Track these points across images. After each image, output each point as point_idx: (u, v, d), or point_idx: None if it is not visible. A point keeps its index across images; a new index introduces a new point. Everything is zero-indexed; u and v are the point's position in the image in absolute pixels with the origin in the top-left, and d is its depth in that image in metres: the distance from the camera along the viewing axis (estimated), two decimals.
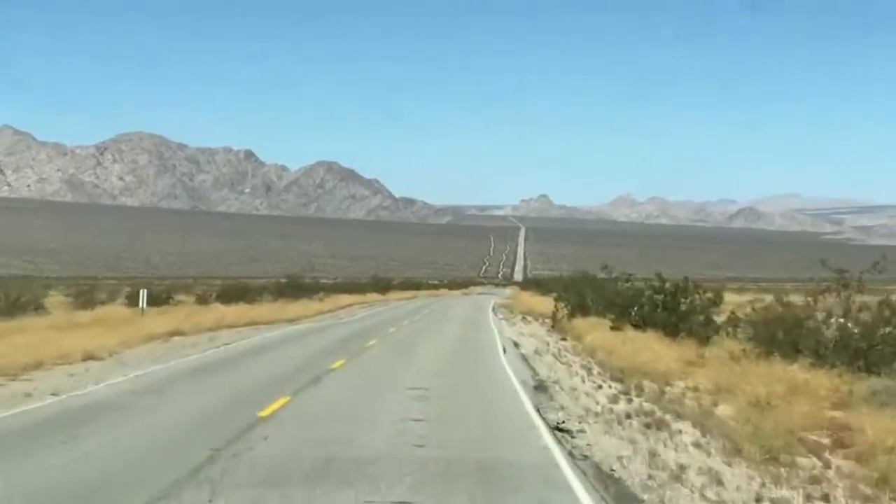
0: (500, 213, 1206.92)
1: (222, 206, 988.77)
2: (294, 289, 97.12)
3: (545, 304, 79.60)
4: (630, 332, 39.80)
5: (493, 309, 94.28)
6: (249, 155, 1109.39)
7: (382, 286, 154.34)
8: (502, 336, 50.88)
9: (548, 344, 45.13)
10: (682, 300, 42.28)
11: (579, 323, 51.44)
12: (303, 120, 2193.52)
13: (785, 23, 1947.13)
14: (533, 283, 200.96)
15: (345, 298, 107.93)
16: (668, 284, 43.12)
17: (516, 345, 44.44)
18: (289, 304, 78.33)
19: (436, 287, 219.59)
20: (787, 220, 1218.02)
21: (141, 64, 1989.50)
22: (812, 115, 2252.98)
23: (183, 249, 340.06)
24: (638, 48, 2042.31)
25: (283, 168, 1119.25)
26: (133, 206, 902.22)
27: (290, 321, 64.38)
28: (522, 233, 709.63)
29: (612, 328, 42.95)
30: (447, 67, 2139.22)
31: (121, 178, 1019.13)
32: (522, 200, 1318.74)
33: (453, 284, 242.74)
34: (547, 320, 64.52)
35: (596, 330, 44.21)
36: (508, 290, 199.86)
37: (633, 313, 43.19)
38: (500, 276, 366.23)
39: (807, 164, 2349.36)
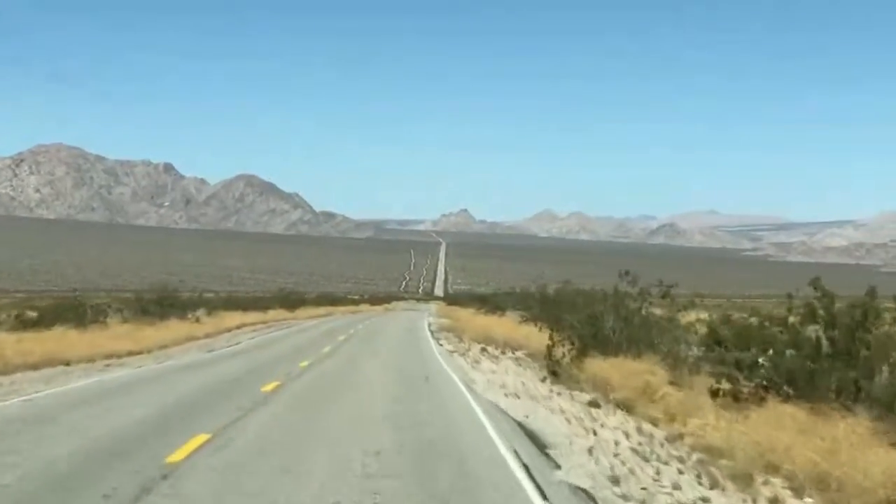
0: (421, 227, 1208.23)
1: (141, 220, 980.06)
2: (161, 306, 69.27)
3: (504, 325, 66.25)
4: (770, 407, 19.39)
5: (432, 332, 73.40)
6: (169, 168, 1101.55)
7: (291, 302, 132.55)
8: (482, 401, 26.14)
9: (616, 444, 19.33)
10: (864, 334, 19.93)
11: (601, 368, 29.84)
12: (223, 133, 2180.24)
13: (705, 37, 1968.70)
14: (469, 298, 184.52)
15: (233, 318, 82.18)
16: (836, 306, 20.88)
17: (544, 451, 18.33)
18: (147, 328, 54.52)
19: (355, 302, 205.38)
20: (707, 237, 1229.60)
21: (59, 75, 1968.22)
22: (729, 133, 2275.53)
23: (98, 262, 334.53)
24: (558, 64, 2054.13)
25: (203, 181, 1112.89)
26: (50, 218, 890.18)
27: (120, 358, 39.77)
28: (443, 248, 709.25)
29: (713, 394, 21.80)
30: (367, 83, 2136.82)
31: (37, 191, 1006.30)
32: (443, 215, 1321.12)
33: (374, 299, 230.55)
34: (520, 353, 47.03)
35: (693, 404, 21.82)
36: (433, 306, 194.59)
37: (757, 366, 21.41)
38: (420, 290, 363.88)
39: (724, 182, 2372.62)
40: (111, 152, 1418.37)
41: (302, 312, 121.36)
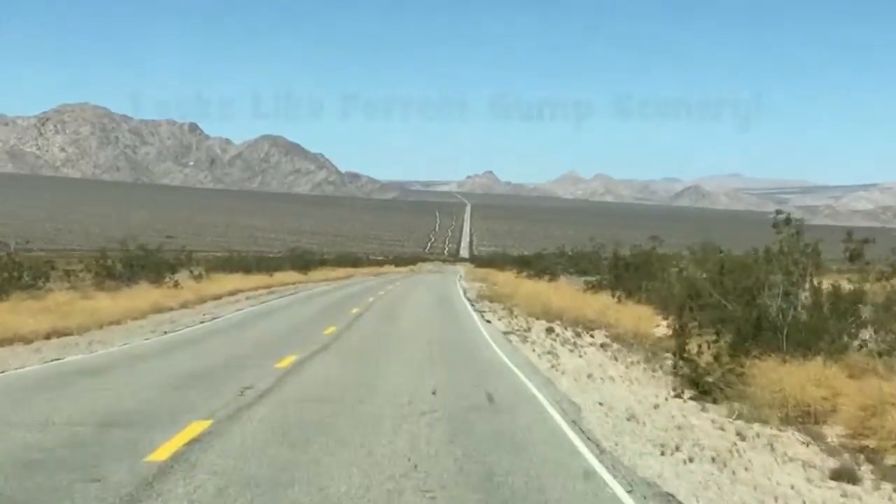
0: (446, 188, 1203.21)
1: (166, 179, 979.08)
2: (131, 267, 55.51)
3: (563, 294, 52.49)
4: None
5: (470, 301, 61.67)
6: (194, 128, 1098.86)
7: (304, 262, 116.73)
8: (626, 471, 13.48)
9: None
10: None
11: (784, 377, 19.10)
12: (248, 93, 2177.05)
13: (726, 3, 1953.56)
14: (504, 259, 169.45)
15: (227, 282, 69.52)
16: None
17: None
18: (99, 297, 43.96)
19: (379, 263, 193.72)
20: (732, 200, 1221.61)
21: (86, 35, 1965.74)
22: (755, 96, 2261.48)
23: (123, 222, 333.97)
24: (587, 25, 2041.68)
25: (228, 142, 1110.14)
26: (75, 177, 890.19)
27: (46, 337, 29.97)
28: (468, 209, 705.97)
29: None
30: (393, 44, 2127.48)
31: (63, 150, 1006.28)
32: (468, 177, 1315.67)
33: (399, 261, 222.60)
34: (600, 335, 35.69)
35: None
36: (461, 268, 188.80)
37: None
38: (446, 252, 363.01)
39: (750, 145, 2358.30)
40: (136, 112, 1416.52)
41: (317, 274, 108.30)
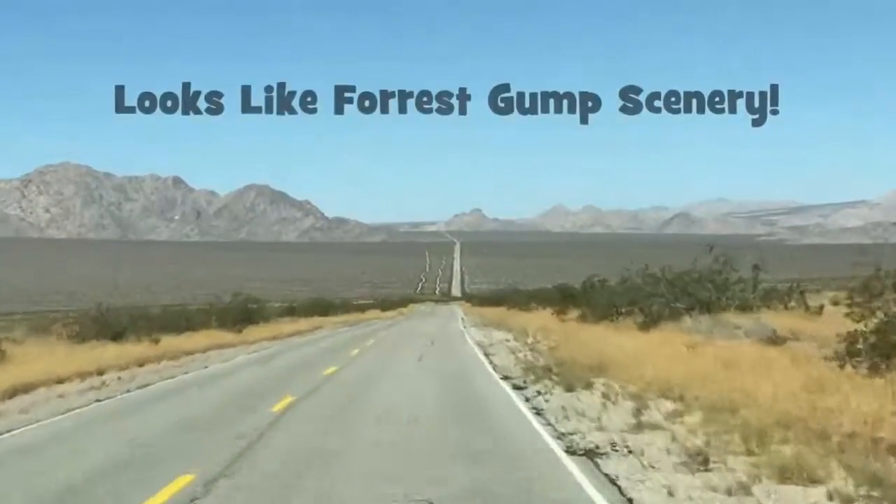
0: (434, 228, 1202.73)
1: (152, 235, 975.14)
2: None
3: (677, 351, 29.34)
4: None
5: (513, 382, 30.68)
6: (178, 181, 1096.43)
7: (241, 316, 77.16)
8: None
9: None
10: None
11: None
12: (231, 143, 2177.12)
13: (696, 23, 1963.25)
14: (509, 293, 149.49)
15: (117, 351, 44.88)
16: None
17: None
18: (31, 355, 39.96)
19: (360, 308, 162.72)
20: (721, 224, 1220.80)
21: (64, 94, 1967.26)
22: (737, 118, 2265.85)
23: (109, 280, 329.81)
24: (566, 58, 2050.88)
25: (213, 193, 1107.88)
26: (60, 238, 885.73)
27: None
28: (457, 248, 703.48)
29: None
30: (376, 80, 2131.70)
31: (47, 211, 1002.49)
32: (455, 215, 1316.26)
33: (387, 303, 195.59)
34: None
35: None
36: (458, 309, 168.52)
37: None
38: (437, 291, 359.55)
39: (736, 168, 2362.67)
40: (119, 169, 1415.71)
41: (260, 331, 73.18)
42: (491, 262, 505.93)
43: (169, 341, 53.10)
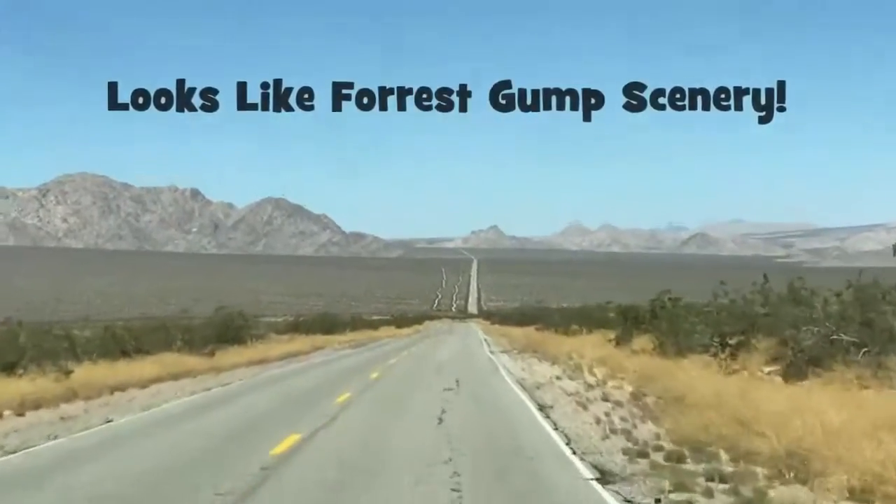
0: (451, 245, 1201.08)
1: (169, 246, 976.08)
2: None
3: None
4: None
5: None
6: (195, 193, 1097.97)
7: (226, 333, 66.28)
8: None
9: None
10: None
11: None
12: (249, 156, 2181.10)
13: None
14: (535, 313, 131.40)
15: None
16: None
17: None
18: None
19: (372, 325, 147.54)
20: (739, 245, 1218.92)
21: (84, 103, 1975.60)
22: (755, 139, 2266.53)
23: (125, 291, 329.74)
24: (583, 73, 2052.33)
25: (230, 206, 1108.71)
26: (77, 248, 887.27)
27: None
28: (475, 265, 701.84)
29: None
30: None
31: (64, 220, 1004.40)
32: (473, 232, 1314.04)
33: (403, 320, 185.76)
34: None
35: None
36: (476, 327, 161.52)
37: None
38: (454, 308, 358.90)
39: (753, 189, 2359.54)
40: (137, 180, 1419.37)
41: (235, 356, 58.51)
42: (508, 279, 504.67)
43: (95, 372, 40.04)
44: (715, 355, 35.69)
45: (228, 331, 66.14)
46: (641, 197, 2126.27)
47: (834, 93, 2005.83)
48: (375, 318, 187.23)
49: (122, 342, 50.21)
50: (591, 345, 55.64)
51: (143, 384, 39.81)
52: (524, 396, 33.45)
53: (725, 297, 40.27)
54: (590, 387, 36.35)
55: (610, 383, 37.20)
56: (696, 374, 30.66)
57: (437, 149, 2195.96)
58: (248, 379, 46.11)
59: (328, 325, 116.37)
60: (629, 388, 33.93)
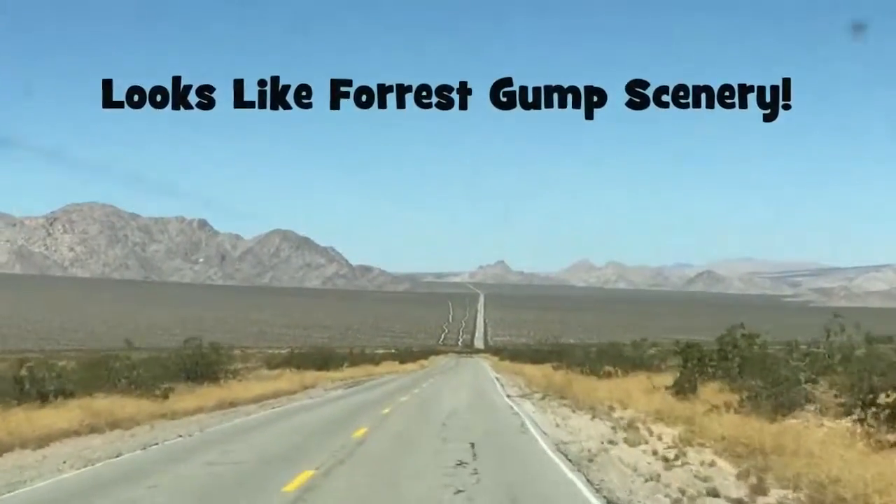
0: (458, 279, 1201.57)
1: (175, 277, 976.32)
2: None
3: None
4: None
5: None
6: (203, 224, 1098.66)
7: (193, 370, 55.77)
8: None
9: None
10: None
11: None
12: (257, 188, 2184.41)
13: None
14: (558, 351, 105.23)
15: None
16: None
17: None
18: None
19: (373, 361, 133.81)
20: (746, 284, 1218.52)
21: (91, 131, 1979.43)
22: (765, 178, 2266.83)
23: (131, 321, 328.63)
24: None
25: (238, 237, 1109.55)
26: (84, 276, 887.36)
27: None
28: (481, 299, 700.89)
29: None
30: (402, 135, 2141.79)
31: (71, 249, 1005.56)
32: (480, 267, 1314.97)
33: (407, 355, 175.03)
34: None
35: None
36: (485, 363, 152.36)
37: None
38: (460, 343, 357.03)
39: (761, 228, 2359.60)
40: (145, 209, 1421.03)
41: (208, 396, 48.45)
42: (515, 314, 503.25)
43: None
44: (862, 420, 24.34)
45: (197, 366, 56.22)
46: (649, 235, 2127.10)
47: (844, 133, 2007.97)
48: (380, 351, 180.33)
49: (38, 381, 39.17)
50: (636, 391, 44.13)
51: (40, 441, 29.83)
52: (576, 478, 22.31)
53: (840, 335, 31.21)
54: (667, 461, 24.35)
55: (694, 455, 24.98)
56: (836, 450, 20.90)
57: (445, 183, 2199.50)
58: (193, 435, 33.71)
59: (323, 359, 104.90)
60: (729, 468, 22.72)
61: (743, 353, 38.42)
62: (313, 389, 69.57)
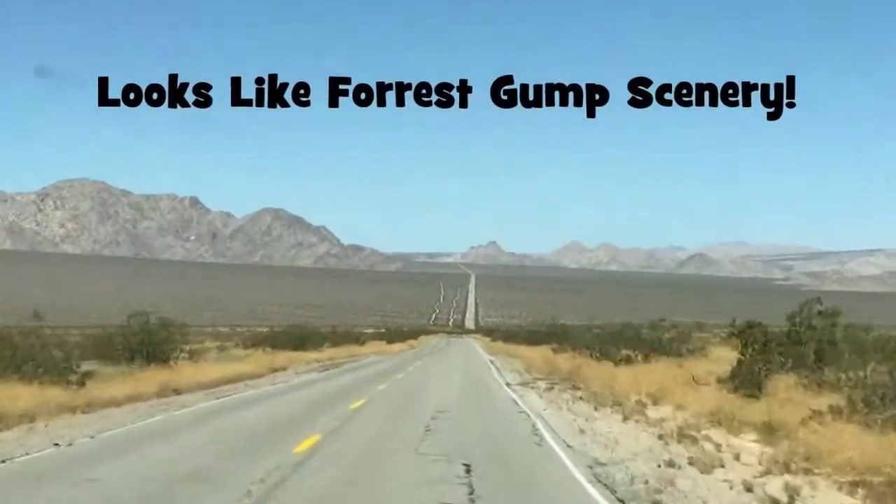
0: (450, 260, 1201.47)
1: (166, 254, 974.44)
2: None
3: None
4: None
5: None
6: (194, 202, 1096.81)
7: (139, 345, 49.34)
8: None
9: None
10: None
11: None
12: (249, 166, 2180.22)
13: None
14: (564, 332, 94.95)
15: None
16: None
17: None
18: None
19: (357, 340, 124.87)
20: (738, 267, 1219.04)
21: (84, 108, 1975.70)
22: (758, 162, 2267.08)
23: (119, 298, 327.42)
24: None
25: (229, 215, 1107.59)
26: (75, 253, 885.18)
27: None
28: (472, 280, 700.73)
29: None
30: (396, 115, 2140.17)
31: (62, 225, 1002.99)
32: (472, 248, 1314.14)
33: (395, 334, 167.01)
34: None
35: None
36: (476, 343, 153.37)
37: None
38: (451, 323, 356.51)
39: (753, 212, 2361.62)
40: (136, 186, 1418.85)
41: (146, 381, 40.05)
42: (506, 295, 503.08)
43: None
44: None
45: (143, 346, 49.16)
46: (641, 216, 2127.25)
47: (839, 119, 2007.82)
48: (369, 331, 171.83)
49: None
50: (669, 381, 37.14)
51: None
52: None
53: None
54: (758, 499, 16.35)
55: (819, 496, 16.55)
56: None
57: (437, 164, 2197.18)
58: (94, 437, 24.26)
59: (301, 338, 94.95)
60: None
61: (820, 336, 32.38)
62: (282, 373, 61.51)
